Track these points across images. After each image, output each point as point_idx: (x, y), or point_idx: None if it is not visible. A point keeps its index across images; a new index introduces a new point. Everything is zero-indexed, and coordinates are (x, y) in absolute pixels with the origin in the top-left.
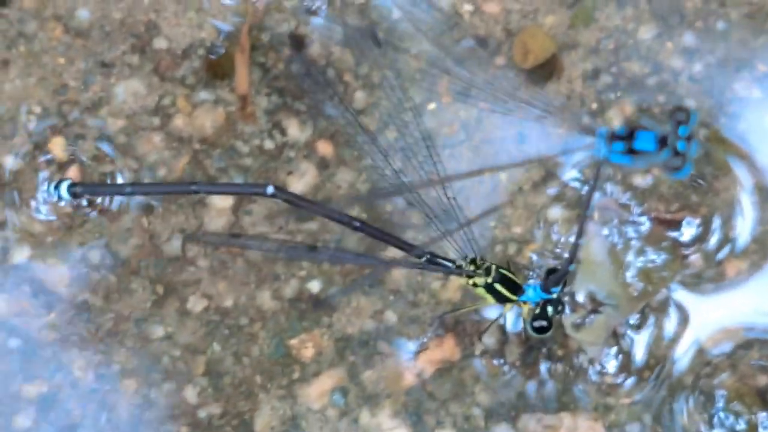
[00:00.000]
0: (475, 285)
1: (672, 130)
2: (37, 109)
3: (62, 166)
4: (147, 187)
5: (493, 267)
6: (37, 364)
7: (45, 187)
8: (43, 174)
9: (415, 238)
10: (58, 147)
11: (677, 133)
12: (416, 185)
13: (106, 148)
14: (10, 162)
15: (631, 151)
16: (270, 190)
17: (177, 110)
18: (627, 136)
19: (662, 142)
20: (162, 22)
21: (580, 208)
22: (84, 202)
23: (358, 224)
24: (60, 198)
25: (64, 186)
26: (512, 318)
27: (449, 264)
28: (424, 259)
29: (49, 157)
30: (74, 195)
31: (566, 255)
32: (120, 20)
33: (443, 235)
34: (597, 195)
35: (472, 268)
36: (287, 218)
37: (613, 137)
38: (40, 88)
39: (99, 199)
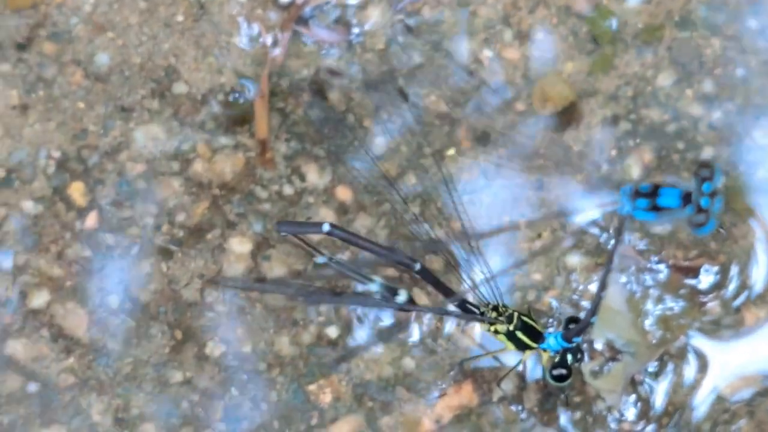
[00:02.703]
0: (496, 332)
1: (696, 187)
2: (57, 154)
3: (81, 212)
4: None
5: (516, 314)
6: (55, 408)
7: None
8: None
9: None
10: (77, 192)
11: (701, 189)
12: (443, 236)
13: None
14: (30, 207)
15: (655, 208)
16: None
17: (196, 155)
18: (651, 192)
19: (686, 198)
20: (182, 66)
21: (604, 261)
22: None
23: (418, 267)
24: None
25: None
26: (530, 364)
27: (475, 311)
28: (456, 304)
29: None
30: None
31: (588, 305)
32: (139, 65)
33: (468, 282)
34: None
35: (494, 314)
36: (306, 264)
37: (637, 194)
38: (59, 132)
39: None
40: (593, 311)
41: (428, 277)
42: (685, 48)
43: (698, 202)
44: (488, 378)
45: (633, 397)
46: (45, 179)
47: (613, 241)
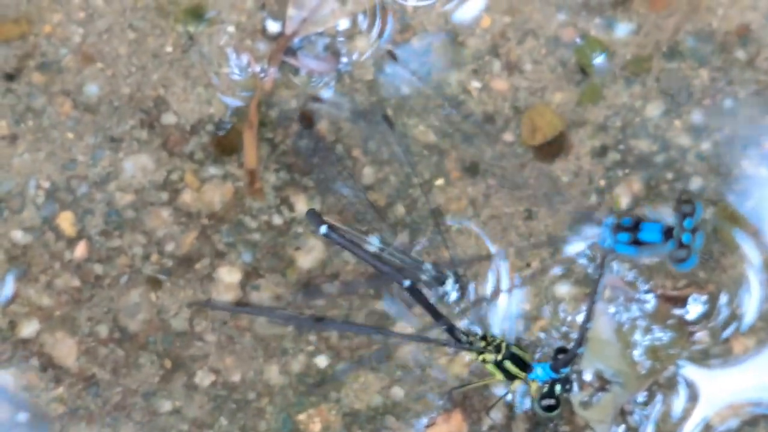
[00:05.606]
0: (484, 361)
1: (678, 222)
2: (46, 184)
3: (70, 242)
4: None
5: (504, 344)
6: None
7: None
8: None
9: (422, 313)
10: (66, 222)
11: (683, 225)
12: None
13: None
14: (19, 237)
15: (636, 242)
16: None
17: (185, 185)
18: (632, 227)
19: (667, 233)
20: (171, 97)
21: (589, 292)
22: None
23: (408, 284)
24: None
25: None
26: (520, 394)
27: (463, 339)
28: (445, 329)
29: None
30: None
31: (575, 336)
32: (129, 95)
33: (459, 309)
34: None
35: (482, 344)
36: (295, 294)
37: (619, 228)
38: (48, 162)
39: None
40: (580, 342)
41: (418, 296)
42: (674, 79)
43: (679, 238)
44: (477, 407)
45: (622, 427)
46: (34, 209)
47: (596, 274)
